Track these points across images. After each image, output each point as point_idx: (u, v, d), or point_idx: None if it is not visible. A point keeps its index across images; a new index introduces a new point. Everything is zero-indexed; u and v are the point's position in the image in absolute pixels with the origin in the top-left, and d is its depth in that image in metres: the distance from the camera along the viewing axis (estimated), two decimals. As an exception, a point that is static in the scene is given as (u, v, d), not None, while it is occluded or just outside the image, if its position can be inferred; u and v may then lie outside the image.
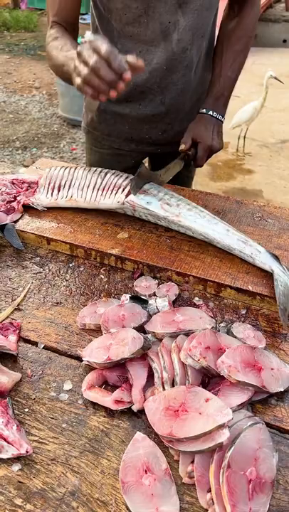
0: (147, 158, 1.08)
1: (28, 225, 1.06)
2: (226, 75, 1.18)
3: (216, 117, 1.18)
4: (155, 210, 1.02)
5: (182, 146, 1.14)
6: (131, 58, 0.83)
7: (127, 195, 1.05)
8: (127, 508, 0.58)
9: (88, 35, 0.87)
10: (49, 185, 1.12)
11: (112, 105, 1.24)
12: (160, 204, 1.03)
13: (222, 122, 1.20)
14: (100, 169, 1.12)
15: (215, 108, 1.18)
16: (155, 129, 1.26)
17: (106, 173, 1.11)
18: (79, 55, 0.85)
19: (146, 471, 0.61)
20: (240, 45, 1.19)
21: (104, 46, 0.81)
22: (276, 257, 0.94)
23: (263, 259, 0.94)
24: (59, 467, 0.63)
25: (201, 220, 1.01)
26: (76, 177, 1.12)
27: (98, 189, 1.09)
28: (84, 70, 0.83)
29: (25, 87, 5.39)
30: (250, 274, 0.94)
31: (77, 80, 0.85)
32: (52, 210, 1.11)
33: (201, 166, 1.21)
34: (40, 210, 1.10)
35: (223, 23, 1.22)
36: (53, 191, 1.11)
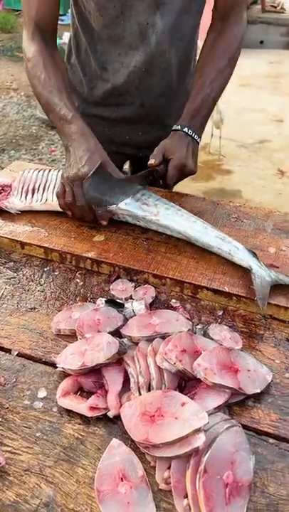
0: (128, 161, 1.07)
1: (1, 229, 1.04)
2: (206, 92, 1.11)
3: (191, 135, 1.09)
4: (133, 210, 1.02)
5: (151, 161, 1.06)
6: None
7: None
8: (103, 518, 0.57)
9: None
10: (22, 188, 1.10)
11: (91, 108, 1.23)
12: (138, 204, 1.02)
13: (198, 144, 1.12)
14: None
15: (190, 125, 1.10)
16: (135, 131, 1.25)
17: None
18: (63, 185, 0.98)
19: (122, 478, 0.60)
20: (223, 62, 1.12)
21: (90, 194, 0.95)
22: (254, 254, 0.95)
23: (241, 255, 0.94)
24: (33, 478, 0.61)
25: (179, 219, 1.01)
26: (51, 180, 1.10)
27: None
28: (68, 199, 0.98)
29: (2, 88, 5.33)
30: (226, 275, 0.93)
31: (60, 202, 1.00)
32: (26, 213, 1.09)
33: (170, 186, 1.14)
34: (14, 214, 1.08)
35: (206, 37, 1.17)
36: (27, 194, 1.09)
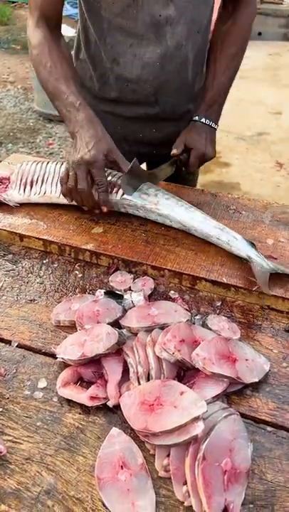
0: (135, 158, 1.04)
1: (0, 221, 1.04)
2: (220, 80, 1.14)
3: (208, 125, 1.15)
4: (134, 199, 1.02)
5: (174, 151, 1.11)
6: None
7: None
8: (103, 505, 0.58)
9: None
10: (21, 181, 1.10)
11: (103, 104, 1.19)
12: (138, 194, 1.03)
13: (215, 130, 1.17)
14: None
15: (208, 115, 1.15)
16: (149, 128, 1.23)
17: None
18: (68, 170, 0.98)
19: (122, 466, 0.61)
20: (235, 48, 1.14)
21: (97, 178, 0.95)
22: (252, 244, 0.96)
23: (239, 245, 0.95)
24: (34, 466, 0.62)
25: (178, 209, 1.02)
26: (49, 172, 1.10)
27: None
28: (70, 184, 0.98)
29: (-1, 81, 5.29)
30: (224, 267, 0.94)
31: (63, 188, 1.01)
32: (24, 206, 1.09)
33: (193, 172, 1.19)
34: (13, 206, 1.08)
35: (217, 23, 1.17)
36: (25, 187, 1.09)
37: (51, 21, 1.09)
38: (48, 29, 1.08)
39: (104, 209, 1.00)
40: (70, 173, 0.98)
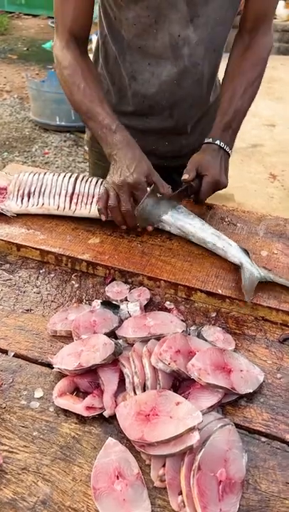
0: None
1: (-2, 231, 1.05)
2: (237, 105, 1.12)
3: (223, 148, 1.11)
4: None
5: (185, 176, 1.06)
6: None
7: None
8: (99, 515, 0.58)
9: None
10: (18, 191, 1.11)
11: (119, 118, 1.19)
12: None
13: (229, 156, 1.14)
14: (68, 175, 1.12)
15: (222, 138, 1.12)
16: (162, 141, 1.24)
17: (76, 180, 1.10)
18: (115, 189, 0.99)
19: (117, 476, 0.61)
20: (253, 74, 1.13)
21: (146, 202, 0.97)
22: (246, 252, 0.98)
23: (234, 252, 0.98)
24: (30, 476, 0.62)
25: (178, 215, 1.05)
26: (46, 184, 1.10)
27: (71, 197, 1.08)
28: (112, 203, 0.99)
29: (-5, 90, 5.32)
30: (219, 278, 0.95)
31: (100, 204, 1.02)
32: (21, 216, 1.10)
33: (203, 202, 1.15)
34: (10, 217, 1.09)
35: (234, 47, 1.17)
36: (22, 198, 1.10)
37: (80, 41, 1.11)
38: (78, 49, 1.10)
39: (150, 228, 1.03)
40: (111, 194, 1.00)
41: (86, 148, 1.36)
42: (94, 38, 2.85)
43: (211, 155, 1.10)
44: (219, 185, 1.10)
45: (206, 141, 1.13)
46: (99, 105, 1.05)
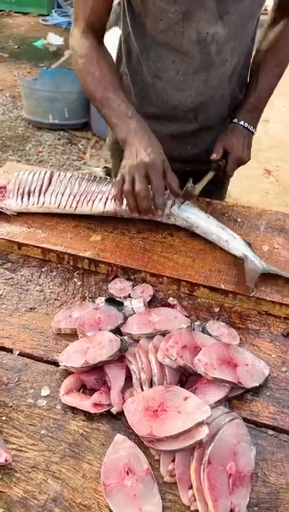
0: (190, 178, 1.05)
1: (-2, 230, 1.05)
2: (263, 86, 1.16)
3: (247, 128, 1.16)
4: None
5: (214, 156, 1.13)
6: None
7: (105, 203, 1.06)
8: (110, 511, 0.58)
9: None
10: (18, 190, 1.10)
11: None
12: None
13: (253, 134, 1.19)
14: (69, 174, 1.12)
15: (248, 119, 1.16)
16: (185, 145, 1.21)
17: (76, 179, 1.10)
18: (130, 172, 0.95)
19: (127, 472, 0.61)
20: (283, 55, 1.16)
21: (157, 181, 0.93)
22: (249, 244, 1.00)
23: (236, 244, 0.99)
24: (40, 474, 0.62)
25: (183, 206, 1.06)
26: (45, 183, 1.10)
27: (74, 196, 1.08)
28: (127, 187, 0.95)
29: (-13, 89, 5.28)
30: (222, 273, 0.95)
31: (116, 190, 0.98)
32: (22, 215, 1.09)
33: (231, 177, 1.21)
34: (10, 215, 1.08)
35: (266, 33, 1.18)
36: (22, 197, 1.09)
37: (97, 31, 1.10)
38: (95, 39, 1.09)
39: (160, 213, 0.97)
40: (127, 178, 0.96)
41: (109, 152, 1.35)
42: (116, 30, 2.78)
43: (236, 135, 1.16)
44: (242, 161, 1.18)
45: (232, 121, 1.18)
46: (113, 92, 1.03)
